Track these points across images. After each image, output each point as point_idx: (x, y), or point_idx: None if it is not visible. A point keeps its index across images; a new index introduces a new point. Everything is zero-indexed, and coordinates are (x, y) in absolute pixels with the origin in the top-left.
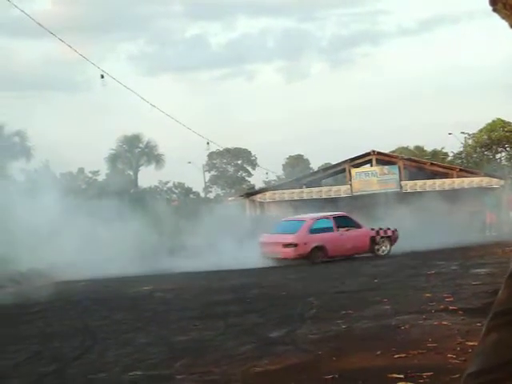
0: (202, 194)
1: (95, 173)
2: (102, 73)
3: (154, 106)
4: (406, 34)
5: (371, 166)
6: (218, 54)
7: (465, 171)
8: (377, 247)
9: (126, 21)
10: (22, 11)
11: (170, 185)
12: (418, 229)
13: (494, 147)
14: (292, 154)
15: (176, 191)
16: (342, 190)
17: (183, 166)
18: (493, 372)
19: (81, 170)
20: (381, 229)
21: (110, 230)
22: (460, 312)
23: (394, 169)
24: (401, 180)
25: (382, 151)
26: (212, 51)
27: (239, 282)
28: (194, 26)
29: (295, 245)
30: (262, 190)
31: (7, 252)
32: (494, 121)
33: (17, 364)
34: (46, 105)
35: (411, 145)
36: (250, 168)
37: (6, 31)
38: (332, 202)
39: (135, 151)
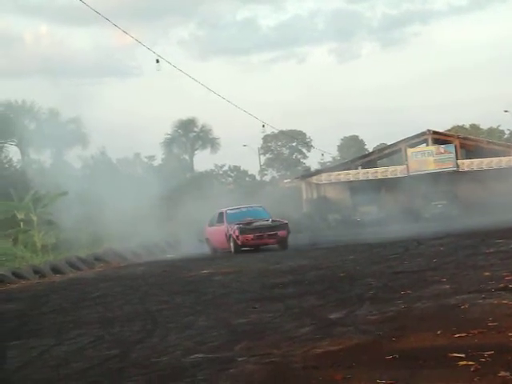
0: (258, 177)
1: (151, 158)
2: (157, 57)
3: (209, 89)
4: (457, 11)
5: (427, 145)
6: (269, 37)
7: None
8: None
9: (176, 5)
10: None
11: (225, 168)
12: (476, 207)
13: None
14: (347, 135)
15: (232, 174)
16: (399, 170)
17: (238, 149)
18: None
19: (137, 155)
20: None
21: (177, 213)
22: None
23: (451, 148)
24: (457, 159)
25: (437, 130)
26: (263, 34)
27: (296, 264)
28: (243, 8)
29: None
30: (317, 172)
31: (90, 236)
32: None
33: (80, 348)
34: (101, 91)
35: (467, 123)
36: (305, 150)
37: (59, 18)
38: (388, 182)
39: (190, 135)
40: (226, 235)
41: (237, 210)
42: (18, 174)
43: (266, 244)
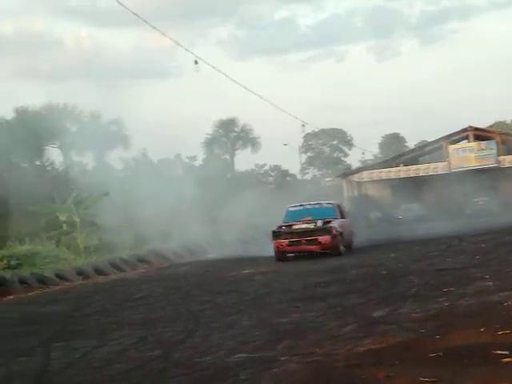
0: (299, 176)
1: (192, 158)
2: (196, 58)
3: (248, 89)
4: (497, 7)
5: (468, 141)
6: (308, 36)
7: None
8: None
9: (215, 6)
10: (117, 1)
11: (266, 168)
12: None
13: None
14: (388, 133)
15: (272, 174)
16: (440, 167)
17: (279, 148)
18: None
19: (178, 156)
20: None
21: (219, 213)
22: None
23: (492, 144)
24: (498, 155)
25: (478, 127)
26: (301, 33)
27: (338, 263)
28: (282, 8)
29: None
30: (359, 170)
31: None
32: None
33: (123, 349)
34: (142, 92)
35: (508, 119)
36: (345, 148)
37: (99, 21)
38: (429, 179)
39: (231, 135)
40: None
41: (300, 208)
42: (61, 176)
43: (306, 251)
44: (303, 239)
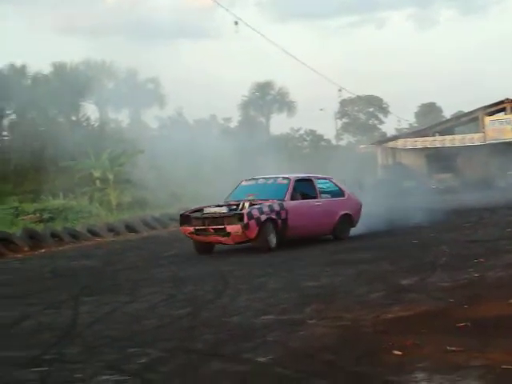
0: (334, 142)
1: (227, 119)
2: (236, 19)
3: (287, 52)
4: None
5: (505, 113)
6: (348, 1)
7: None
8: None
9: None
10: None
11: (301, 132)
12: None
13: None
14: (424, 102)
15: (307, 138)
16: (476, 138)
17: (315, 113)
18: None
19: (213, 117)
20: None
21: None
22: None
23: None
24: None
25: None
26: None
27: (369, 230)
28: None
29: None
30: (394, 138)
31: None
32: None
33: (152, 306)
34: (179, 52)
35: None
36: (381, 116)
37: None
38: (464, 150)
39: (267, 98)
40: None
41: (252, 183)
42: (96, 132)
43: (218, 242)
44: (211, 228)
